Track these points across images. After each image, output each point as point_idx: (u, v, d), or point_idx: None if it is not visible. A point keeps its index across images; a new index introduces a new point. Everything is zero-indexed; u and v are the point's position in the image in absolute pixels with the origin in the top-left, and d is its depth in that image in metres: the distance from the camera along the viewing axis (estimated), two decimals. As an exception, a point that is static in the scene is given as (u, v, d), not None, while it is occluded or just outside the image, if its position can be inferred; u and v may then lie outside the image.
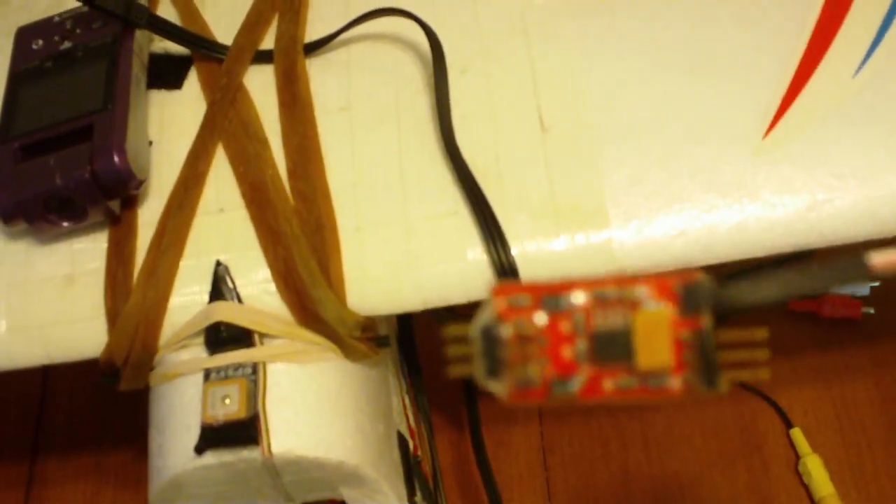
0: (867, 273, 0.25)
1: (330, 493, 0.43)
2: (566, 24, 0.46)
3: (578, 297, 0.27)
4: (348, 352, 0.42)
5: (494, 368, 0.27)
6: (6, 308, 0.43)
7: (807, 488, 0.57)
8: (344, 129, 0.45)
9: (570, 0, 0.47)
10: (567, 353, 0.27)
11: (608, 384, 0.26)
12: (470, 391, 0.53)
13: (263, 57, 0.47)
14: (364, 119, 0.45)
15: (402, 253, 0.42)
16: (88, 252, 0.44)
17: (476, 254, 0.41)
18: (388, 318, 0.48)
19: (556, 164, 0.42)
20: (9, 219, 0.42)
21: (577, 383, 0.27)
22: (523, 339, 0.27)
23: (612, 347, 0.26)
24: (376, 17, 0.46)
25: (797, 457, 0.58)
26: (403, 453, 0.47)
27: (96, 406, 0.66)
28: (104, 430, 0.65)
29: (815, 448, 0.58)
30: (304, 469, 0.40)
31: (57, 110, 0.44)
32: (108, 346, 0.42)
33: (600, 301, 0.26)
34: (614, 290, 0.26)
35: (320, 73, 0.47)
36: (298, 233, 0.41)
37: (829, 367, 0.61)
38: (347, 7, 0.48)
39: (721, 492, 0.58)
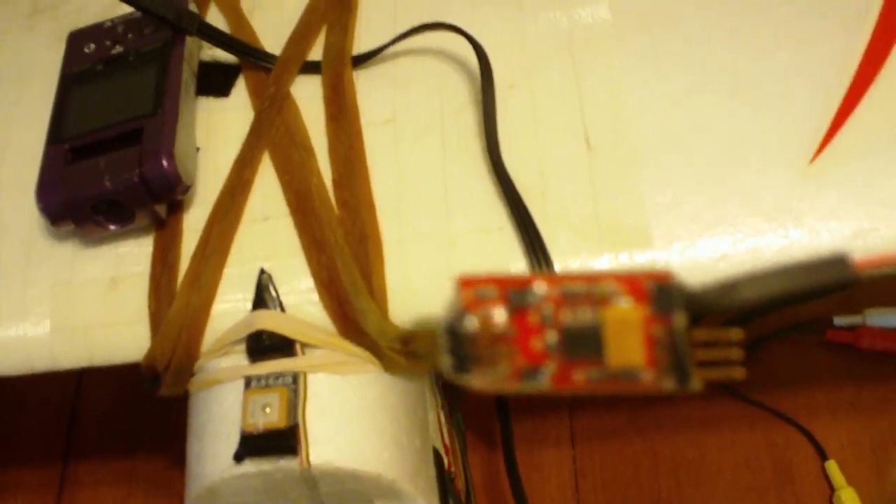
0: (849, 272, 0.25)
1: (364, 507, 0.43)
2: (612, 44, 0.46)
3: (544, 292, 0.26)
4: (388, 364, 0.42)
5: (463, 364, 0.26)
6: (51, 308, 0.43)
7: (840, 522, 0.57)
8: (389, 141, 0.45)
9: (615, 20, 0.47)
10: (536, 344, 0.26)
11: (579, 376, 0.26)
12: (503, 410, 0.52)
13: (311, 68, 0.47)
14: (409, 132, 0.45)
15: (444, 266, 0.41)
16: (133, 256, 0.44)
17: (519, 270, 0.40)
18: (425, 332, 0.47)
19: (601, 183, 0.42)
20: (57, 219, 0.43)
21: (548, 374, 0.26)
22: (491, 333, 0.26)
23: (582, 344, 0.26)
24: (424, 31, 0.46)
25: (831, 489, 0.57)
26: (439, 469, 0.46)
27: (128, 412, 0.66)
28: (136, 436, 0.65)
29: (850, 483, 0.57)
30: (341, 481, 0.40)
31: (107, 113, 0.44)
32: (151, 351, 0.42)
33: (568, 297, 0.26)
34: (583, 286, 0.26)
35: (367, 86, 0.47)
36: (342, 242, 0.41)
37: (867, 400, 0.60)
38: (395, 21, 0.48)
39: (752, 523, 0.58)
